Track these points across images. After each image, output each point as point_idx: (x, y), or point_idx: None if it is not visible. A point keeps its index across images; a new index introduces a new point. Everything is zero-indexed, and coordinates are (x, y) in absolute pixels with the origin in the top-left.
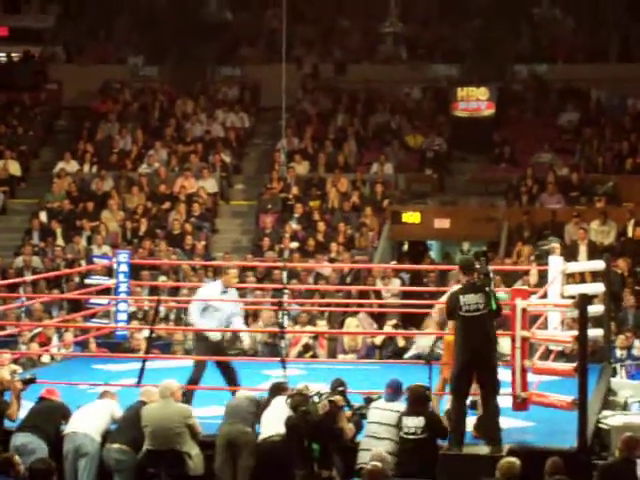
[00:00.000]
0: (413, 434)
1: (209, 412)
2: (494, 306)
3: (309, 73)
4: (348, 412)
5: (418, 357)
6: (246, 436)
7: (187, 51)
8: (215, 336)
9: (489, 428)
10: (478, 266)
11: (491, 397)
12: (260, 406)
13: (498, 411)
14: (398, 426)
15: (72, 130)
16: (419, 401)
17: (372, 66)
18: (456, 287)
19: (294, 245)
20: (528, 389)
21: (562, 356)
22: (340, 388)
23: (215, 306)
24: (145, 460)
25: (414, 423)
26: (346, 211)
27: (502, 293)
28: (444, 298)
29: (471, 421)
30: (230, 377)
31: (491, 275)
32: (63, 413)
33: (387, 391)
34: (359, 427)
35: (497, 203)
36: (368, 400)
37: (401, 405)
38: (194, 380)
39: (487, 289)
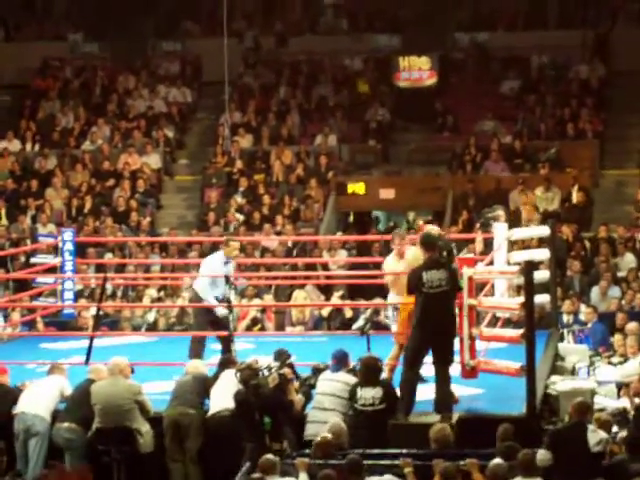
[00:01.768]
0: (371, 405)
1: (158, 388)
2: (462, 284)
3: (251, 46)
4: (296, 383)
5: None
6: (187, 418)
7: (127, 26)
8: (222, 312)
9: (440, 397)
10: (441, 242)
11: (444, 369)
12: (208, 382)
13: (449, 381)
14: (351, 398)
15: (13, 109)
16: (373, 372)
17: (313, 38)
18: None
19: (239, 216)
20: (476, 357)
21: (509, 323)
22: (289, 361)
23: (218, 278)
24: (95, 438)
25: (371, 394)
26: (291, 184)
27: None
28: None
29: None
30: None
31: (454, 252)
32: (13, 398)
33: (332, 362)
34: (308, 397)
35: (441, 172)
36: (315, 370)
37: (347, 376)
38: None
39: (451, 266)
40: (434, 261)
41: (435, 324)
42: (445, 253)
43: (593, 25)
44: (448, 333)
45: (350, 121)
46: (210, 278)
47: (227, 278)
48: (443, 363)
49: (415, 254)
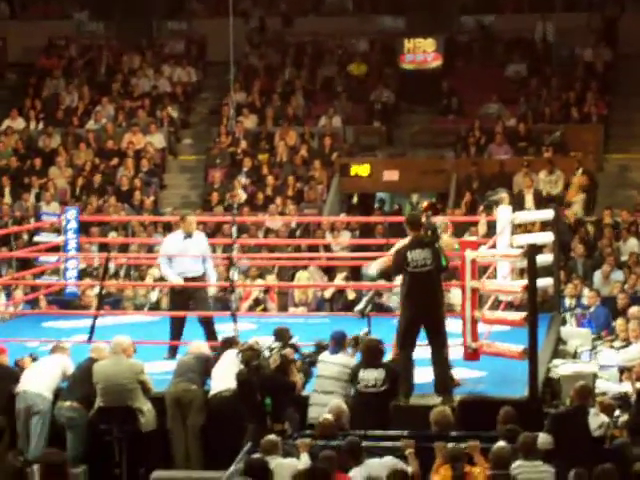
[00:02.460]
0: (373, 387)
1: (160, 367)
2: (444, 262)
3: (256, 27)
4: (298, 361)
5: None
6: (190, 394)
7: (132, 6)
8: (178, 282)
9: (440, 380)
10: (425, 221)
11: (440, 350)
12: (210, 362)
13: (447, 362)
14: (353, 379)
15: (18, 87)
16: (375, 354)
17: (319, 19)
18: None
19: (241, 193)
20: (479, 339)
21: (512, 306)
22: (291, 341)
23: (176, 254)
24: (97, 417)
25: (373, 375)
26: (297, 165)
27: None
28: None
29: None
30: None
31: (438, 231)
32: (13, 377)
33: (330, 343)
34: (308, 375)
35: (446, 154)
36: (318, 347)
37: (345, 358)
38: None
39: (435, 245)
40: (418, 241)
41: (421, 303)
42: (429, 232)
43: (600, 8)
44: (435, 312)
45: (355, 102)
46: (164, 256)
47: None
48: (437, 344)
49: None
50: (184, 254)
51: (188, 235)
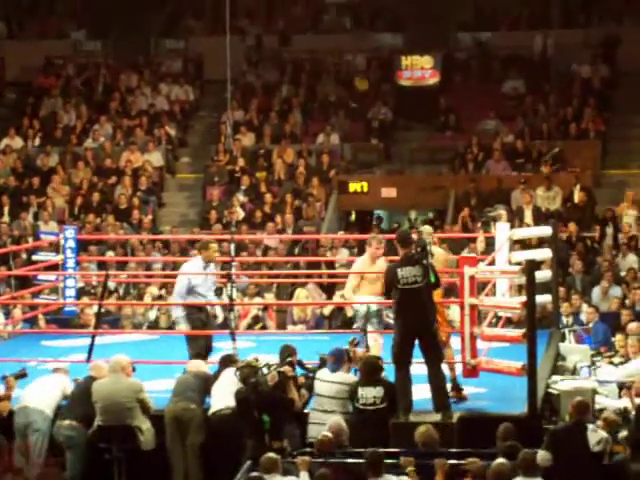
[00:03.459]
0: (372, 404)
1: (159, 386)
2: (433, 278)
3: (253, 45)
4: (301, 377)
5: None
6: (189, 413)
7: (130, 24)
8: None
9: (437, 396)
10: (415, 238)
11: (435, 366)
12: (209, 380)
13: (444, 379)
14: (352, 397)
15: (16, 106)
16: (374, 371)
17: (316, 36)
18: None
19: (239, 210)
20: (478, 356)
21: (511, 322)
22: (290, 359)
23: (199, 284)
24: (96, 436)
25: (373, 393)
26: (299, 183)
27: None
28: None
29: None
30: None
31: (428, 248)
32: None
33: (329, 360)
34: (312, 391)
35: (443, 171)
36: (322, 361)
37: (345, 375)
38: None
39: (424, 262)
40: (409, 258)
41: (413, 319)
42: (419, 249)
43: (598, 25)
44: (427, 327)
45: (352, 120)
46: (187, 287)
47: (229, 277)
48: (432, 360)
49: (438, 253)
50: (205, 283)
51: (208, 263)
